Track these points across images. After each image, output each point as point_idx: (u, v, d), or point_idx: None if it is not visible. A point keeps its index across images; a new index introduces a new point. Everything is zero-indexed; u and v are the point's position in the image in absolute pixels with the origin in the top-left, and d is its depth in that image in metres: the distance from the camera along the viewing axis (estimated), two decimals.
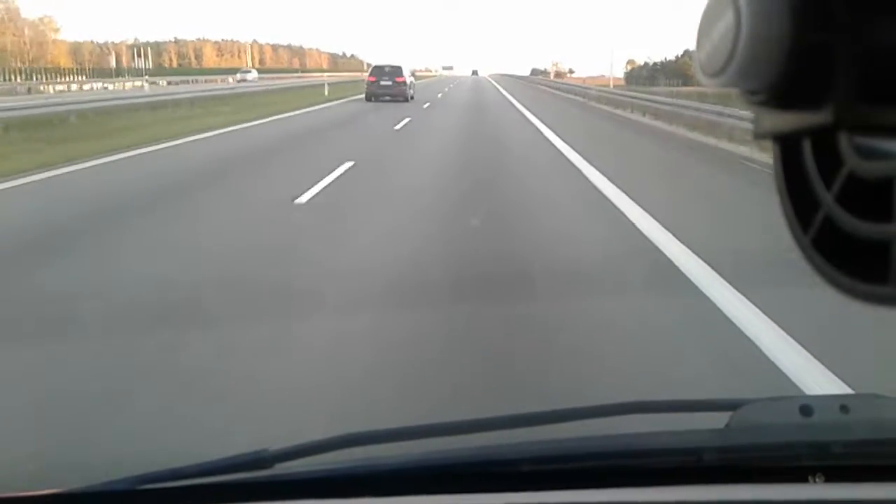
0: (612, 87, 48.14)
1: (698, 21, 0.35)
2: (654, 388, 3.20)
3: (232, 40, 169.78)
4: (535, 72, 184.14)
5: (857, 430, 1.11)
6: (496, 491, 1.06)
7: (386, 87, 28.14)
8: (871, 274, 0.32)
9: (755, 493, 1.06)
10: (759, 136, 0.35)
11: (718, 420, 1.12)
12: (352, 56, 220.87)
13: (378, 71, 28.89)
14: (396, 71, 28.50)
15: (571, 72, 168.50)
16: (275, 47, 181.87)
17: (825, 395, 2.70)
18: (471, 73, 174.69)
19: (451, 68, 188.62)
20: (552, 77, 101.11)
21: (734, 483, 1.07)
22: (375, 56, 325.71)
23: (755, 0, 0.31)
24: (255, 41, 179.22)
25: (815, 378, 3.20)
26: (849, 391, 3.00)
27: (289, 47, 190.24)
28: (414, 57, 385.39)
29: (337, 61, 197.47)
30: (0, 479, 1.29)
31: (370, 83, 28.55)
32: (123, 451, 2.56)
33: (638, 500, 1.06)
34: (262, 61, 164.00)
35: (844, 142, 0.33)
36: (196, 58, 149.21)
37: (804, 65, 0.30)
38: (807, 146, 0.35)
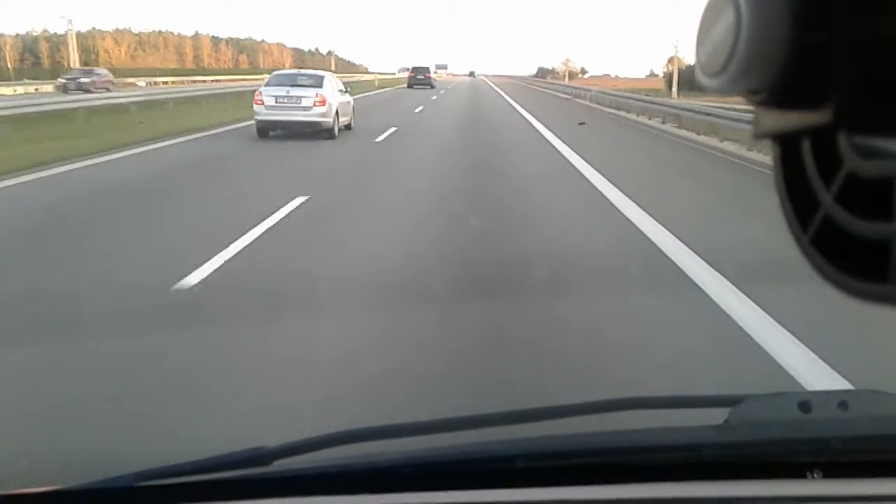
0: (675, 97, 36.18)
1: (698, 21, 0.35)
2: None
3: (161, 32, 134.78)
4: (541, 72, 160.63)
5: (856, 427, 1.11)
6: (494, 487, 1.07)
7: (420, 80, 51.70)
8: (871, 273, 0.32)
9: (754, 488, 1.06)
10: (759, 135, 0.35)
11: (717, 416, 1.12)
12: (328, 53, 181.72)
13: (415, 70, 54.67)
14: (426, 70, 55.10)
15: (584, 71, 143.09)
16: (216, 40, 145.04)
17: (824, 391, 2.71)
18: (468, 74, 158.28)
19: (445, 67, 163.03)
20: (566, 80, 79.91)
21: (733, 479, 1.07)
22: (356, 53, 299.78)
23: (755, 0, 0.31)
24: (196, 33, 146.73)
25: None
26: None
27: (236, 41, 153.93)
28: (402, 55, 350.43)
29: (305, 59, 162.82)
30: (0, 476, 1.29)
31: (410, 77, 53.24)
32: (122, 447, 2.56)
33: (637, 497, 1.07)
34: (196, 59, 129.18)
35: (844, 141, 0.33)
36: (106, 53, 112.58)
37: (804, 65, 0.30)
38: (806, 145, 0.35)
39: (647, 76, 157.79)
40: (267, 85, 14.79)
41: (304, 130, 13.95)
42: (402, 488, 1.07)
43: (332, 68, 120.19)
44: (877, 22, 0.29)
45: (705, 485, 1.07)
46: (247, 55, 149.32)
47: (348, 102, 16.03)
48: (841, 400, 1.12)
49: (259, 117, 14.19)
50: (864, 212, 0.32)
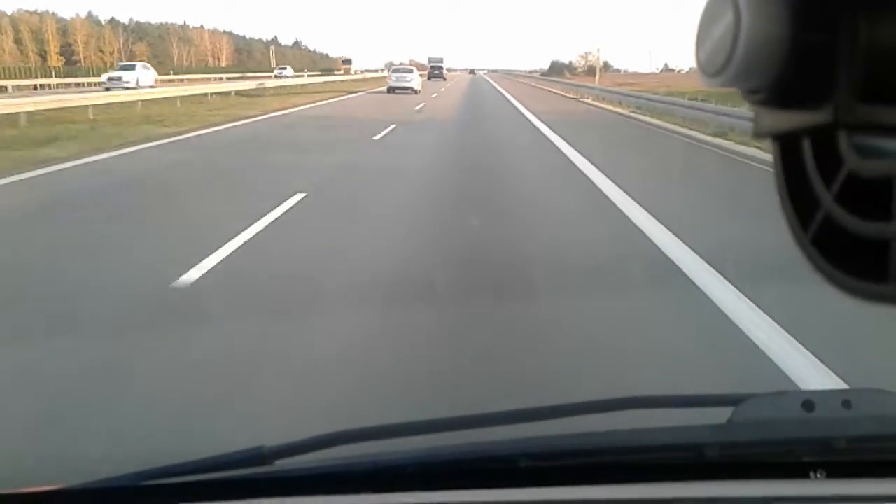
0: None
1: (698, 21, 0.34)
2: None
3: (21, 12, 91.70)
4: (555, 67, 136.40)
5: (860, 426, 1.10)
6: (494, 487, 1.06)
7: (436, 74, 70.39)
8: (871, 272, 0.32)
9: (757, 488, 1.06)
10: (759, 135, 0.35)
11: (720, 415, 1.12)
12: (295, 44, 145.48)
13: (433, 67, 72.14)
14: (440, 68, 73.83)
15: (607, 67, 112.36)
16: (102, 24, 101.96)
17: (827, 390, 2.70)
18: (468, 71, 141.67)
19: (440, 62, 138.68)
20: (596, 79, 52.44)
21: (736, 479, 1.07)
22: (334, 46, 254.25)
23: (754, 0, 0.31)
24: (89, 14, 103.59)
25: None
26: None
27: (140, 26, 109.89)
28: (389, 48, 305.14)
29: (252, 51, 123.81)
30: (1, 475, 1.29)
31: (429, 72, 69.81)
32: (123, 447, 2.57)
33: (639, 497, 1.06)
34: (66, 48, 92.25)
35: (844, 141, 0.32)
36: None
37: (804, 64, 0.30)
38: (807, 145, 0.35)
39: (661, 71, 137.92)
40: (392, 72, 40.76)
41: (406, 91, 37.09)
42: (403, 488, 1.07)
43: (273, 64, 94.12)
44: (876, 21, 0.29)
45: (708, 484, 1.07)
46: (147, 45, 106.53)
47: (420, 80, 40.78)
48: (844, 399, 1.12)
49: (389, 84, 38.56)
50: (864, 211, 0.32)
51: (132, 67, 39.85)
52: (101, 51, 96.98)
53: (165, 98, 25.56)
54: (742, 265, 5.02)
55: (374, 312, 4.16)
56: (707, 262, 5.22)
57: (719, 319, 4.08)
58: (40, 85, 42.55)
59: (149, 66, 43.86)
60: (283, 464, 1.08)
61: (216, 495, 1.06)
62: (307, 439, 1.09)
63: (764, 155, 10.71)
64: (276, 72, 73.41)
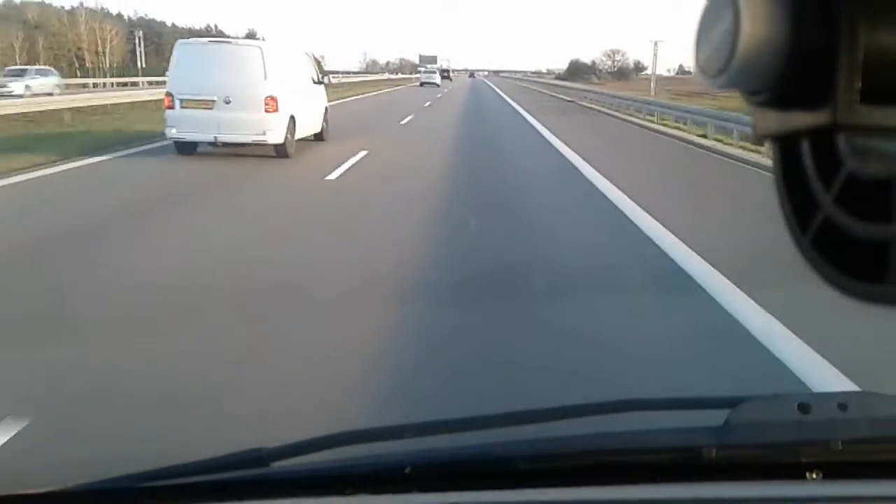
0: None
1: (697, 22, 0.34)
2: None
3: None
4: (575, 67, 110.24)
5: (856, 428, 1.11)
6: (493, 488, 1.07)
7: (444, 76, 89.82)
8: (871, 274, 0.32)
9: (753, 490, 1.06)
10: (758, 136, 0.35)
11: (716, 417, 1.12)
12: (248, 36, 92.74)
13: (443, 70, 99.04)
14: (448, 70, 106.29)
15: (640, 69, 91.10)
16: None
17: (824, 392, 2.71)
18: (468, 74, 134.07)
19: (433, 61, 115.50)
20: (651, 91, 41.95)
21: (733, 480, 1.07)
22: (302, 40, 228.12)
23: (753, 1, 0.31)
24: None
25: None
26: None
27: None
28: (373, 42, 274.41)
29: (164, 46, 75.10)
30: None
31: (441, 72, 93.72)
32: (122, 448, 2.56)
33: (636, 498, 1.07)
34: None
35: (844, 142, 0.33)
36: None
37: (803, 66, 0.30)
38: (806, 147, 0.35)
39: (675, 73, 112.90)
40: (423, 72, 79.47)
41: (431, 85, 67.07)
42: (403, 489, 1.07)
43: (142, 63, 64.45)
44: (876, 22, 0.29)
45: (704, 486, 1.07)
46: None
47: (440, 78, 78.84)
48: (840, 402, 1.12)
49: (421, 80, 72.66)
50: (864, 213, 0.32)
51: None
52: None
53: None
54: None
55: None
56: None
57: None
58: None
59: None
60: (281, 465, 1.08)
61: (215, 497, 1.06)
62: (306, 440, 1.09)
63: None
64: None
